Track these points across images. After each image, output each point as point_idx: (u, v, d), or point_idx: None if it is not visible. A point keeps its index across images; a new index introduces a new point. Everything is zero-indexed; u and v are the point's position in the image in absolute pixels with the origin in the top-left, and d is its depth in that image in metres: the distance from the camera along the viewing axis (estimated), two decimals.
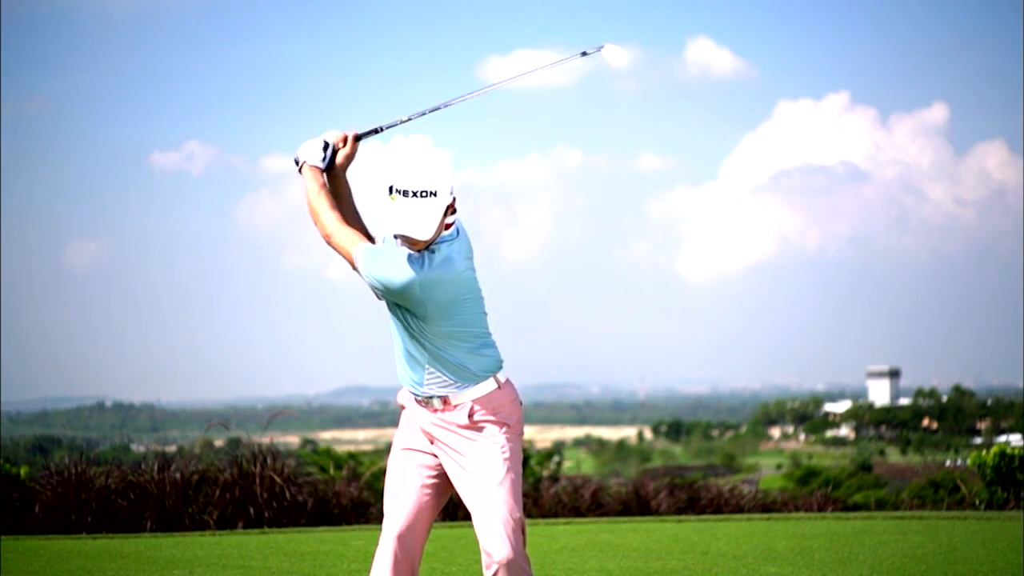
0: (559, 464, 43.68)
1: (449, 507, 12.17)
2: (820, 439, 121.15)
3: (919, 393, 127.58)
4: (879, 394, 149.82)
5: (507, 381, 4.55)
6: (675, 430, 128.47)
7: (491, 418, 4.48)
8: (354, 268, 4.44)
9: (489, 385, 4.49)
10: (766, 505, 14.71)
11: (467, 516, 12.05)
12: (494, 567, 4.35)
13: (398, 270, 4.32)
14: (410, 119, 4.67)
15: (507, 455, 4.45)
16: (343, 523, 12.63)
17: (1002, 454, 13.65)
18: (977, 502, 13.84)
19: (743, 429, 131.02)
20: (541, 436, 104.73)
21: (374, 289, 4.42)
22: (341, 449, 26.36)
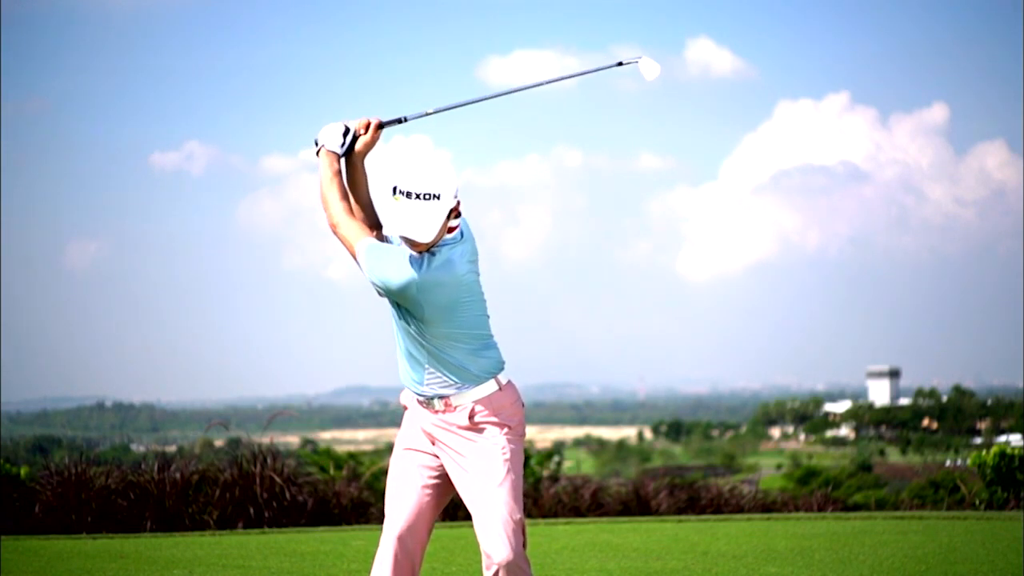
0: (559, 464, 43.68)
1: (449, 507, 12.18)
2: (820, 439, 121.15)
3: (919, 393, 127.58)
4: (879, 394, 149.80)
5: (508, 383, 4.55)
6: (675, 430, 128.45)
7: (492, 419, 4.47)
8: (356, 261, 4.44)
9: (490, 387, 4.49)
10: (766, 505, 14.71)
11: (467, 516, 12.05)
12: (494, 568, 4.35)
13: (397, 270, 4.31)
14: (436, 112, 4.65)
15: (508, 456, 4.45)
16: (343, 523, 12.63)
17: (1002, 454, 13.64)
18: (977, 502, 13.84)
19: (743, 429, 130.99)
20: (541, 436, 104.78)
21: (375, 286, 4.42)
22: (341, 449, 26.39)
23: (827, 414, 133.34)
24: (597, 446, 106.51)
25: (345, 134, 4.59)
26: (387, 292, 4.38)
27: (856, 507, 16.53)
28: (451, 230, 4.39)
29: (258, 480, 12.12)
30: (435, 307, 4.35)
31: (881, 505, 17.17)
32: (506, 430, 4.49)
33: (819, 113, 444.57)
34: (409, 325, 4.43)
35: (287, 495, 12.20)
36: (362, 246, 4.40)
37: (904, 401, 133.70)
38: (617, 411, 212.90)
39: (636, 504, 13.82)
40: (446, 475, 4.54)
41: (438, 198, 4.25)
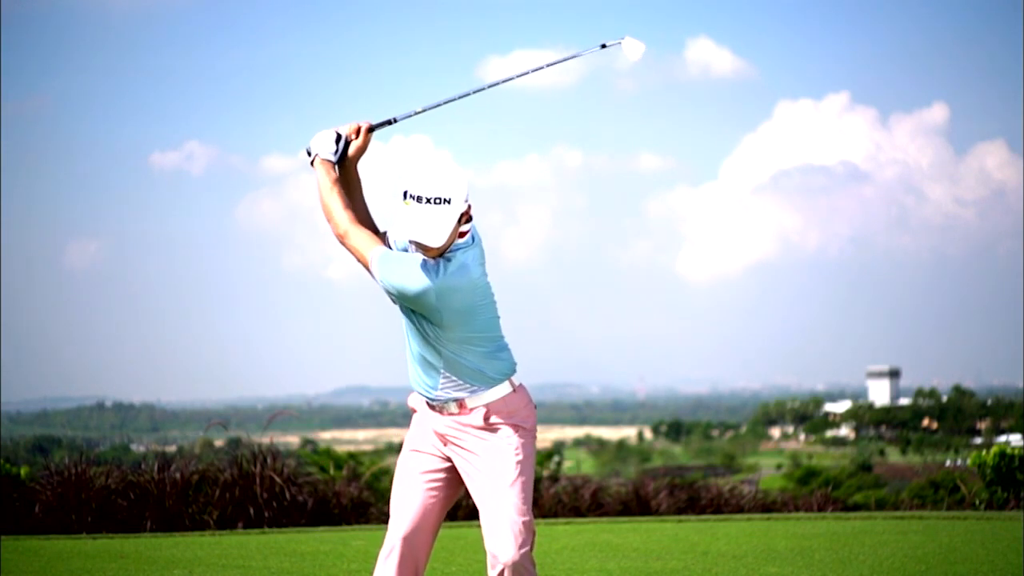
0: (559, 464, 43.69)
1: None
2: (820, 439, 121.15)
3: (919, 393, 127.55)
4: (879, 394, 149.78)
5: (520, 384, 4.55)
6: (675, 430, 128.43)
7: (507, 421, 4.47)
8: (367, 270, 4.41)
9: (504, 388, 4.48)
10: (766, 505, 14.71)
11: (467, 516, 12.05)
12: (499, 567, 4.34)
13: (413, 278, 4.29)
14: (424, 110, 4.61)
15: (520, 457, 4.45)
16: (343, 523, 12.63)
17: (1002, 454, 13.64)
18: (977, 502, 13.83)
19: (743, 429, 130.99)
20: (541, 436, 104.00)
21: (388, 294, 4.40)
22: (341, 449, 26.35)
23: (827, 414, 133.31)
24: (597, 446, 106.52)
25: (337, 140, 4.54)
26: (403, 300, 4.36)
27: (856, 507, 16.53)
28: (462, 235, 4.37)
29: (258, 480, 12.12)
30: (452, 312, 4.33)
31: (881, 505, 17.17)
32: (520, 431, 4.50)
33: (819, 113, 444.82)
34: (425, 331, 4.40)
35: (287, 495, 12.20)
36: (375, 255, 4.36)
37: (904, 401, 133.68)
38: (617, 411, 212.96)
39: (636, 504, 13.82)
40: (453, 478, 4.53)
41: (449, 202, 4.22)
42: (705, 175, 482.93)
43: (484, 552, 8.82)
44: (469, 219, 4.38)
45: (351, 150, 4.58)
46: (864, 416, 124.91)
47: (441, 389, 4.46)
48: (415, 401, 4.61)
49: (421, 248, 4.31)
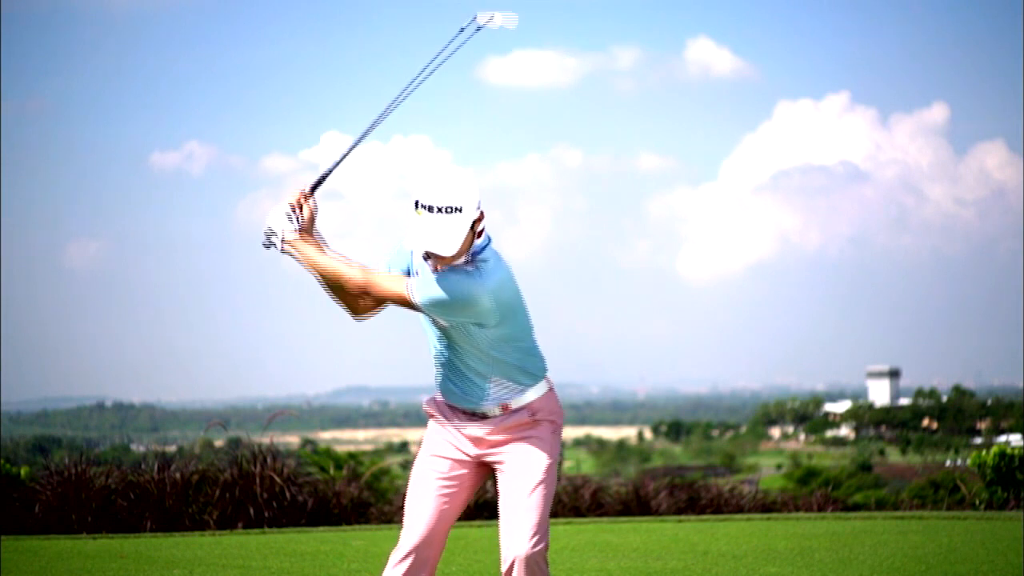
0: (559, 464, 43.71)
1: None
2: (820, 439, 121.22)
3: (919, 393, 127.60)
4: (879, 394, 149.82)
5: (552, 383, 4.56)
6: (675, 430, 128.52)
7: (545, 418, 4.47)
8: (405, 305, 4.32)
9: (544, 386, 4.47)
10: (766, 505, 14.69)
11: (467, 516, 12.04)
12: (511, 560, 4.32)
13: (461, 288, 4.22)
14: (343, 158, 4.46)
15: (550, 461, 4.45)
16: (343, 523, 12.63)
17: (1002, 454, 13.64)
18: (977, 502, 13.83)
19: (743, 429, 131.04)
20: None
21: (435, 317, 4.31)
22: (341, 449, 26.38)
23: (827, 414, 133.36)
24: (597, 446, 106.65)
25: (291, 213, 4.41)
26: (454, 315, 4.27)
27: (856, 507, 16.52)
28: (479, 235, 4.32)
29: (258, 480, 12.12)
30: (505, 308, 4.29)
31: (881, 505, 17.15)
32: (555, 430, 4.50)
33: (819, 113, 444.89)
34: (475, 340, 4.33)
35: (287, 495, 12.20)
36: (412, 285, 4.28)
37: (904, 401, 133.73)
38: (617, 411, 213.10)
39: (636, 504, 13.80)
40: (470, 483, 4.51)
41: (460, 211, 4.16)
42: (705, 175, 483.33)
43: (484, 552, 8.83)
44: (482, 227, 4.32)
45: (305, 216, 4.43)
46: (864, 416, 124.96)
47: (491, 397, 4.40)
48: (436, 407, 4.54)
49: (434, 258, 4.27)
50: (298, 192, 4.44)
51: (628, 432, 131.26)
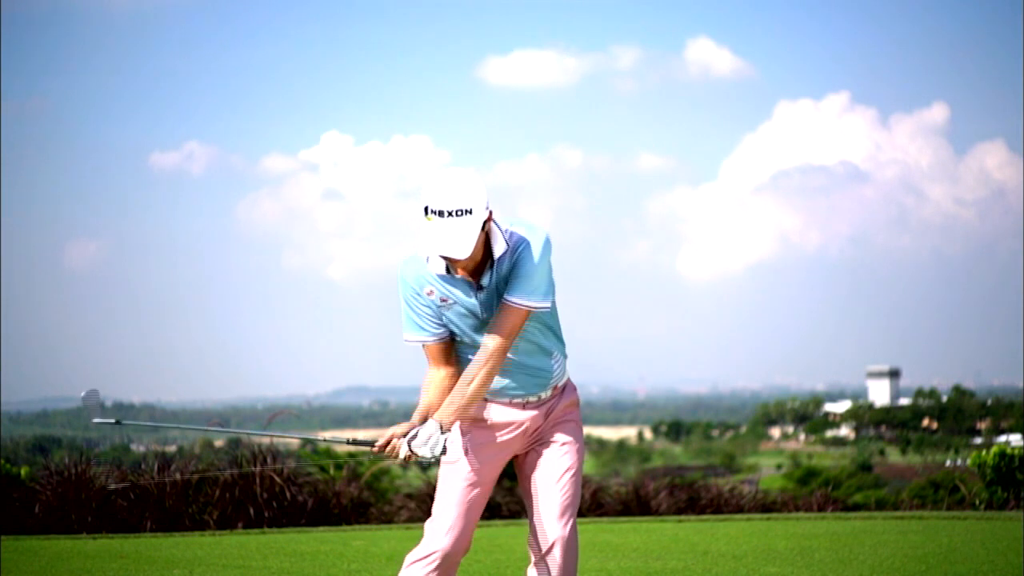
0: None
1: None
2: (820, 439, 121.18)
3: (919, 393, 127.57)
4: (879, 394, 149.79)
5: None
6: (675, 430, 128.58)
7: (576, 398, 4.56)
8: (536, 310, 4.31)
9: (567, 362, 4.55)
10: (766, 505, 14.69)
11: None
12: (552, 542, 4.37)
13: (542, 267, 4.26)
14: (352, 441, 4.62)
15: (580, 444, 4.54)
16: (343, 523, 12.63)
17: (1002, 454, 13.63)
18: (977, 502, 13.82)
19: (743, 429, 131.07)
20: None
21: (553, 298, 4.35)
22: (341, 449, 26.36)
23: (827, 414, 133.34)
24: (597, 446, 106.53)
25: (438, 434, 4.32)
26: (551, 278, 4.34)
27: (856, 507, 16.51)
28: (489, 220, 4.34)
29: (258, 480, 12.12)
30: (551, 271, 4.34)
31: (881, 505, 17.15)
32: (578, 405, 4.59)
33: (819, 113, 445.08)
34: (542, 316, 4.37)
35: (287, 495, 12.21)
36: (523, 300, 4.27)
37: (904, 401, 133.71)
38: (617, 411, 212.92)
39: (636, 504, 13.80)
40: (494, 481, 4.51)
41: (470, 213, 4.14)
42: (705, 175, 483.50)
43: (484, 552, 8.82)
44: (491, 222, 4.32)
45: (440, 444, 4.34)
46: (864, 416, 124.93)
47: (555, 375, 4.44)
48: (488, 412, 4.45)
49: (449, 261, 4.26)
50: (390, 440, 4.40)
51: (628, 432, 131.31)
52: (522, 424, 4.45)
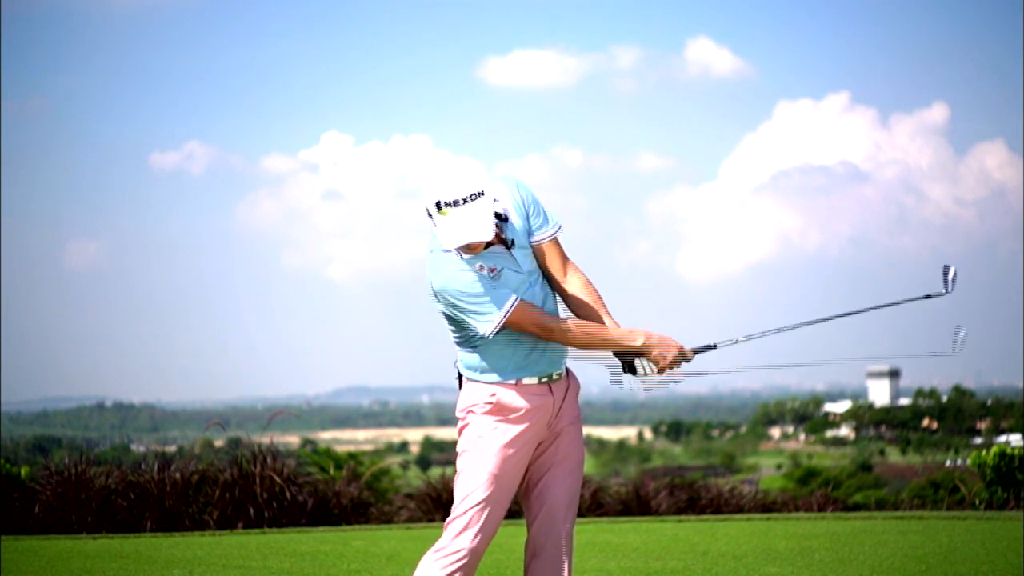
0: None
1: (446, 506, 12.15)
2: (820, 439, 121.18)
3: (919, 393, 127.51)
4: (879, 394, 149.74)
5: None
6: (675, 430, 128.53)
7: (579, 384, 4.67)
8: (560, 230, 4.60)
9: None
10: (766, 505, 14.69)
11: None
12: (558, 534, 4.47)
13: (535, 196, 4.52)
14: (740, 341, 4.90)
15: (582, 444, 4.65)
16: (343, 523, 12.63)
17: (1002, 454, 13.63)
18: (977, 502, 13.82)
19: (743, 429, 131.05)
20: None
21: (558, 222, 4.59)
22: (341, 449, 26.35)
23: (827, 414, 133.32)
24: (597, 446, 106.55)
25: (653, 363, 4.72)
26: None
27: (856, 507, 16.52)
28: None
29: (258, 480, 12.12)
30: None
31: (881, 505, 17.15)
32: (579, 410, 4.70)
33: (819, 113, 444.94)
34: (547, 281, 4.57)
35: (287, 495, 12.21)
36: (570, 269, 4.62)
37: (904, 401, 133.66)
38: (617, 411, 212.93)
39: (636, 504, 13.80)
40: (521, 477, 4.52)
41: (482, 194, 4.24)
42: (705, 175, 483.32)
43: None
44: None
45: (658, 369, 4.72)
46: (864, 416, 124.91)
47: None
48: (502, 403, 4.42)
49: (469, 248, 4.29)
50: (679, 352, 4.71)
51: (628, 432, 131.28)
52: (547, 409, 4.44)
